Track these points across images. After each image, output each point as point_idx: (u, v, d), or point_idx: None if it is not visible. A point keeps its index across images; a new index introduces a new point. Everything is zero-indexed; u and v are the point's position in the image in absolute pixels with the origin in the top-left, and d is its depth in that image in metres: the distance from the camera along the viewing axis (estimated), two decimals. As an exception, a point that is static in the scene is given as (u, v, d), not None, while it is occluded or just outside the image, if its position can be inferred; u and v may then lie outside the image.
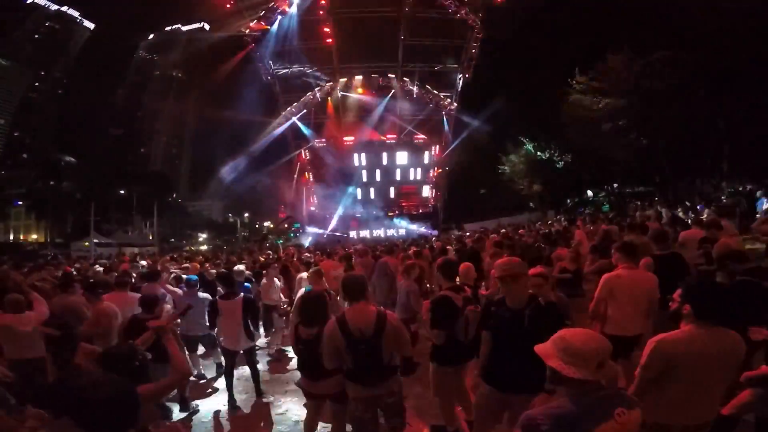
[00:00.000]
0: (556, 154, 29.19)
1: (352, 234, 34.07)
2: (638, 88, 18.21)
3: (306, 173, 40.16)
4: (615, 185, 30.52)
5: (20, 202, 55.77)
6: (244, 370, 4.98)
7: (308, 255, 12.37)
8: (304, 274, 6.07)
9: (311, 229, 35.87)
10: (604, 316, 3.54)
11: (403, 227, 35.35)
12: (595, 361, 1.54)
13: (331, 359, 2.69)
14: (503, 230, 15.25)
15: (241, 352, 4.67)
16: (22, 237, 59.81)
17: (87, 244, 38.02)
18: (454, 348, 3.27)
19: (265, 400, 4.73)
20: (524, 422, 1.53)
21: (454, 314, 3.21)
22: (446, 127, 37.51)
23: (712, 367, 2.03)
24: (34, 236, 58.56)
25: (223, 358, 4.98)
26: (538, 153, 29.80)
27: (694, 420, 2.10)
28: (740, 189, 16.12)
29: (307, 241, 32.72)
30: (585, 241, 7.62)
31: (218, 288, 5.67)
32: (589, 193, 34.41)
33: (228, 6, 29.97)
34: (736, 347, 2.06)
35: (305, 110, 37.17)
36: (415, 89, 36.05)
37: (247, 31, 30.82)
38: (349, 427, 2.99)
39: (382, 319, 2.65)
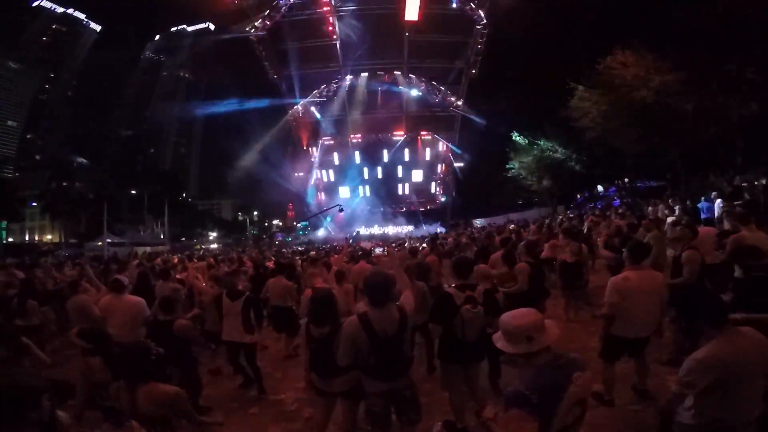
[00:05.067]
0: (573, 156, 28.27)
1: (361, 231, 34.18)
2: (649, 82, 17.89)
3: (314, 171, 40.32)
4: (626, 180, 30.10)
5: (35, 203, 56.81)
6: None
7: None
8: None
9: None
10: (612, 318, 3.50)
11: (411, 224, 35.33)
12: (523, 335, 1.81)
13: (349, 357, 2.70)
14: (511, 226, 15.21)
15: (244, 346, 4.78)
16: (37, 237, 61.03)
17: (100, 243, 38.62)
18: (455, 346, 3.32)
19: (276, 397, 4.77)
20: (512, 396, 1.79)
21: (452, 312, 3.24)
22: (453, 123, 37.36)
23: None
24: (49, 237, 59.73)
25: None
26: (549, 151, 29.13)
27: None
28: (755, 183, 15.79)
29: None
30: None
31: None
32: (600, 188, 34.00)
33: (232, 6, 30.12)
34: None
35: (312, 108, 37.27)
36: (421, 86, 35.92)
37: (252, 30, 30.90)
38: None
39: (404, 315, 2.73)
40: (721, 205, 10.11)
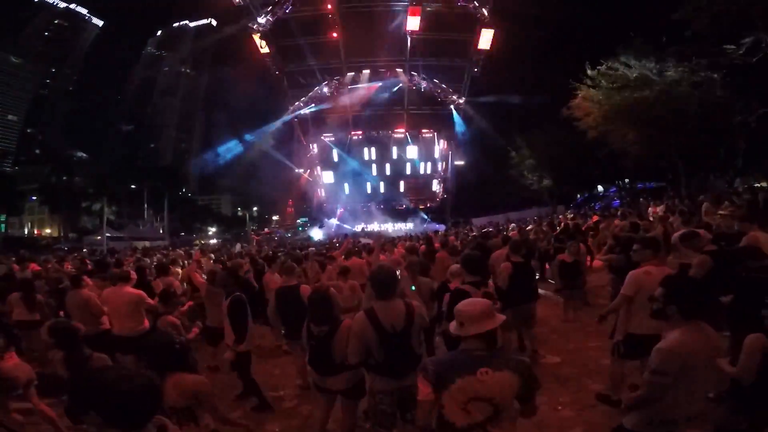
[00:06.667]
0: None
1: (359, 228, 34.18)
2: (652, 82, 17.82)
3: (314, 167, 40.28)
4: (626, 180, 30.11)
5: (34, 197, 56.78)
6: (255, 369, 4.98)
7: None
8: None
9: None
10: (627, 314, 3.41)
11: (410, 221, 35.37)
12: (485, 314, 1.94)
13: (358, 354, 2.68)
14: (512, 225, 15.20)
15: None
16: (36, 231, 60.93)
17: (99, 237, 38.68)
18: None
19: (275, 394, 4.76)
20: (421, 365, 2.08)
21: None
22: (455, 120, 37.27)
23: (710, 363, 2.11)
24: (48, 231, 59.65)
25: None
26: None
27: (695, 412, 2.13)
28: (756, 185, 15.80)
29: (317, 235, 33.00)
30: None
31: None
32: (600, 188, 34.01)
33: (235, 1, 30.00)
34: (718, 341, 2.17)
35: (313, 105, 37.15)
36: (423, 83, 35.81)
37: (255, 26, 30.78)
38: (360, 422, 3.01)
39: (411, 310, 2.70)
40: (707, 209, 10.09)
